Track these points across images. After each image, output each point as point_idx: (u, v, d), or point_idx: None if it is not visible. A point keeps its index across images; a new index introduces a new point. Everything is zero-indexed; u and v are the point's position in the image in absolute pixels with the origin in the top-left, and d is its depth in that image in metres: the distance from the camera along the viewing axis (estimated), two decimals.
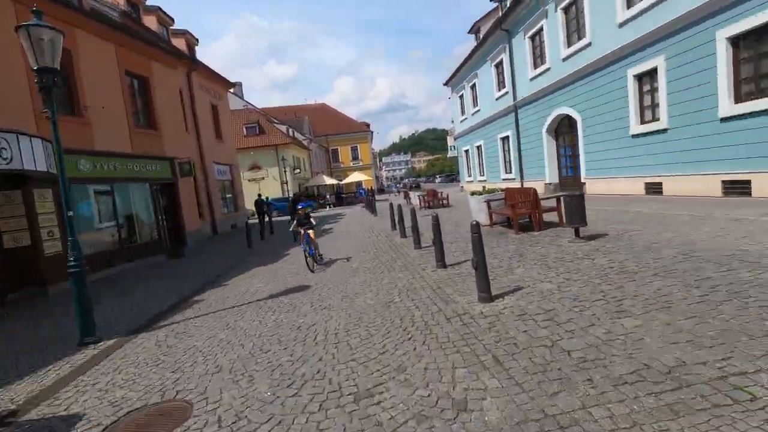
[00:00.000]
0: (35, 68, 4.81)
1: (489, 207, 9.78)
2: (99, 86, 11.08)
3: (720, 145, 9.20)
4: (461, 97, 28.19)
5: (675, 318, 3.25)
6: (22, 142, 7.77)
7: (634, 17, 11.34)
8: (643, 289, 4.02)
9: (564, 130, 16.34)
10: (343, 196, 39.83)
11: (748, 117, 8.53)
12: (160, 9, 18.49)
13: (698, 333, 2.95)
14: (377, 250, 9.11)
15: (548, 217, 9.23)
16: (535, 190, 8.36)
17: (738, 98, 8.84)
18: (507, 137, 21.13)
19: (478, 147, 25.77)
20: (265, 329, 4.72)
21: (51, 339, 5.38)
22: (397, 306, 4.83)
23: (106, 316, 6.24)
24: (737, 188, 9.01)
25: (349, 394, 2.92)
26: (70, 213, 5.06)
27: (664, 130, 10.79)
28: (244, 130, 35.93)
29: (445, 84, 30.57)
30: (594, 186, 14.03)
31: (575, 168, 15.85)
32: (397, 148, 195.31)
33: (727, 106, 8.96)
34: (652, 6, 10.70)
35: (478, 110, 24.67)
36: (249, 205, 25.25)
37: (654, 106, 11.28)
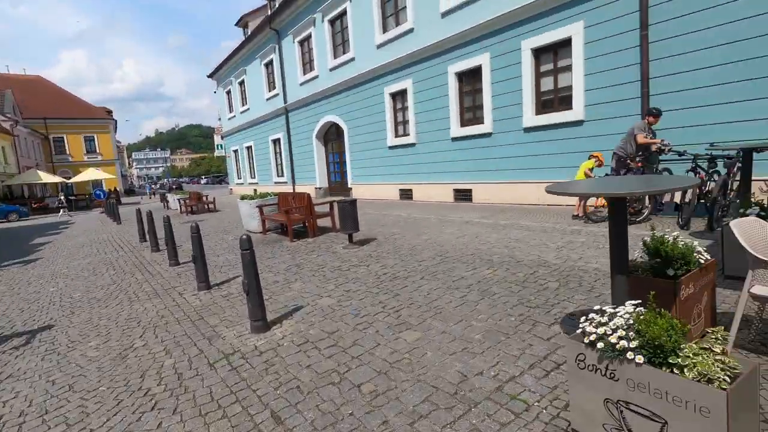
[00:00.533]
0: None
1: (262, 213, 9.01)
2: None
3: (452, 160, 11.24)
4: (228, 93, 26.19)
5: (448, 324, 3.35)
6: None
7: (389, 41, 12.71)
8: (415, 295, 4.13)
9: (332, 136, 17.11)
10: (72, 199, 31.05)
11: (469, 139, 10.69)
12: None
13: (468, 338, 3.07)
14: (116, 270, 7.01)
15: (322, 222, 9.18)
16: (309, 196, 8.11)
17: (463, 123, 10.99)
18: (278, 139, 20.74)
19: (249, 147, 24.46)
20: None
21: None
22: (138, 354, 3.53)
23: None
24: (463, 195, 11.18)
25: None
26: None
27: (413, 144, 12.51)
28: None
29: (210, 76, 27.83)
30: (359, 191, 15.14)
31: (342, 173, 16.81)
32: (152, 143, 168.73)
33: (455, 128, 11.01)
34: (400, 36, 12.22)
35: (248, 109, 23.40)
36: None
37: (405, 122, 12.94)
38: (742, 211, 3.66)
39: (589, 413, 1.86)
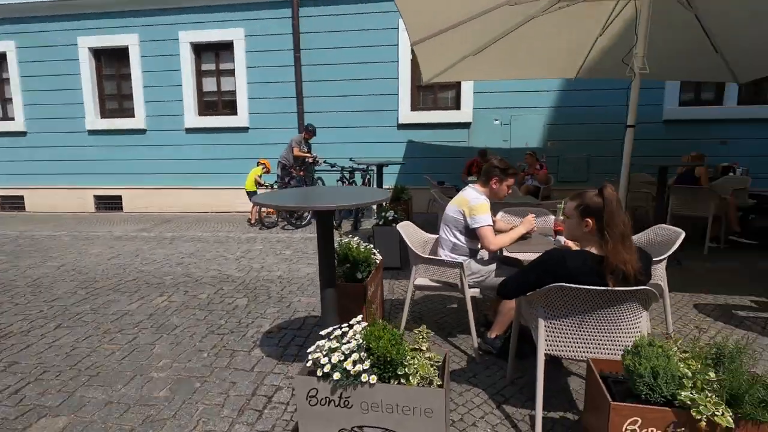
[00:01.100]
0: None
1: None
2: None
3: (90, 158, 8.82)
4: None
5: (113, 389, 2.39)
6: None
7: None
8: (49, 357, 2.78)
9: None
10: None
11: (115, 134, 8.71)
12: None
13: (150, 400, 2.28)
14: None
15: None
16: None
17: (104, 113, 8.84)
18: None
19: None
20: None
21: None
22: None
23: None
24: (110, 204, 9.02)
25: None
26: None
27: (22, 134, 8.99)
28: None
29: None
30: None
31: None
32: None
33: (93, 119, 8.71)
34: None
35: None
36: None
37: (6, 100, 9.11)
38: (384, 214, 4.58)
39: None
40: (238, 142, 8.38)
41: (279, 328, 3.14)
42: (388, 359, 1.57)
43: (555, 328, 1.82)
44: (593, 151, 7.54)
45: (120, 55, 8.57)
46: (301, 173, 7.18)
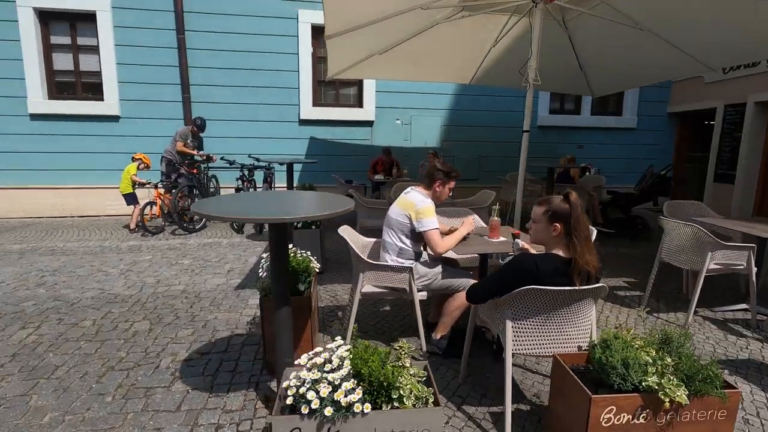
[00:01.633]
0: None
1: None
2: None
3: None
4: None
5: None
6: None
7: None
8: None
9: None
10: None
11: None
12: None
13: None
14: None
15: None
16: None
17: None
18: None
19: None
20: None
21: None
22: None
23: None
24: None
25: None
26: None
27: None
28: None
29: None
30: None
31: None
32: None
33: None
34: None
35: None
36: None
37: None
38: None
39: None
40: (106, 132, 7.09)
41: (200, 354, 2.71)
42: (384, 384, 1.43)
43: (522, 328, 1.89)
44: (483, 152, 8.25)
45: None
46: (194, 171, 6.39)
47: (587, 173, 7.69)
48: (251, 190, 6.60)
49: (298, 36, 7.32)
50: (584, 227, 1.74)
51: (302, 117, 7.55)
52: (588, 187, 6.51)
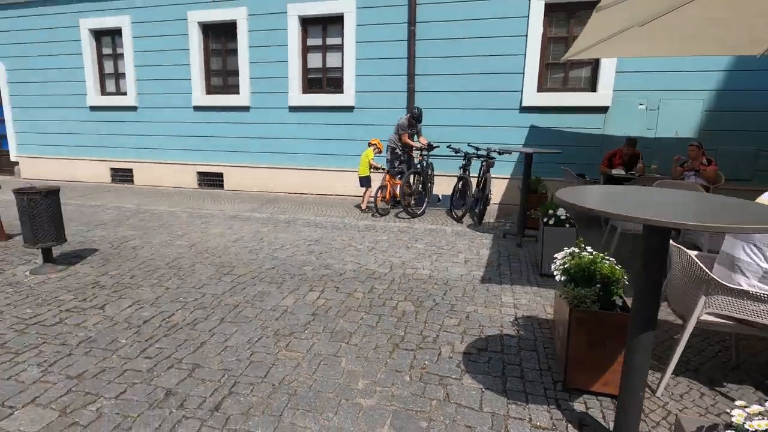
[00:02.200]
0: None
1: None
2: None
3: (196, 134, 8.86)
4: None
5: (323, 417, 1.99)
6: None
7: None
8: (230, 361, 2.46)
9: None
10: None
11: (220, 110, 8.66)
12: None
13: None
14: None
15: None
16: None
17: (209, 90, 8.79)
18: None
19: None
20: None
21: None
22: None
23: None
24: (212, 180, 9.06)
25: None
26: None
27: (133, 108, 9.20)
28: None
29: None
30: (33, 167, 10.17)
31: None
32: None
33: (199, 95, 8.70)
34: None
35: None
36: None
37: (120, 75, 9.36)
38: (553, 212, 3.91)
39: None
40: (343, 121, 7.99)
41: (477, 349, 2.62)
42: None
43: None
44: (763, 146, 6.31)
45: (228, 30, 8.41)
46: (413, 155, 6.65)
47: None
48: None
49: (528, 16, 6.80)
50: None
51: (524, 104, 7.06)
52: None
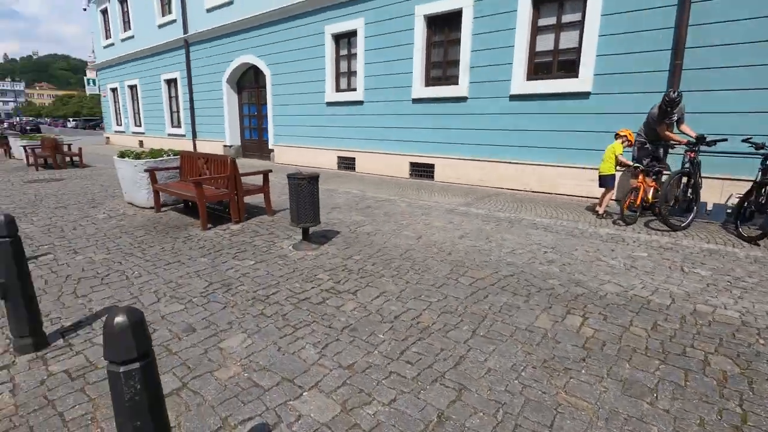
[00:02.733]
0: None
1: (154, 180, 6.05)
2: None
3: (411, 126, 9.16)
4: (105, 13, 20.30)
5: None
6: None
7: None
8: (494, 383, 2.10)
9: (249, 83, 13.74)
10: None
11: (436, 102, 8.69)
12: None
13: None
14: None
15: (250, 199, 6.53)
16: (233, 161, 5.42)
17: (428, 82, 8.91)
18: (175, 80, 16.45)
19: (132, 87, 19.38)
20: None
21: None
22: None
23: None
24: (423, 171, 9.27)
25: None
26: None
27: (359, 102, 10.11)
28: None
29: None
30: (284, 154, 12.33)
31: (261, 131, 13.72)
32: (2, 72, 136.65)
33: (418, 87, 8.90)
34: None
35: (132, 36, 18.25)
36: None
37: (352, 73, 10.41)
38: None
39: None
40: (574, 110, 6.94)
41: None
42: None
43: None
44: None
45: (451, 19, 8.29)
46: (691, 154, 5.16)
47: None
48: None
49: None
50: None
51: None
52: None
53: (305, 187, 4.20)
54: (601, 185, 5.58)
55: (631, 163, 5.38)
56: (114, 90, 21.19)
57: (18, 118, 60.85)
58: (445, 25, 8.48)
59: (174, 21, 15.42)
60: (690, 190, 5.13)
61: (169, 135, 17.27)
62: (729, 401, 2.01)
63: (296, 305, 3.08)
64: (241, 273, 3.74)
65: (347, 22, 9.93)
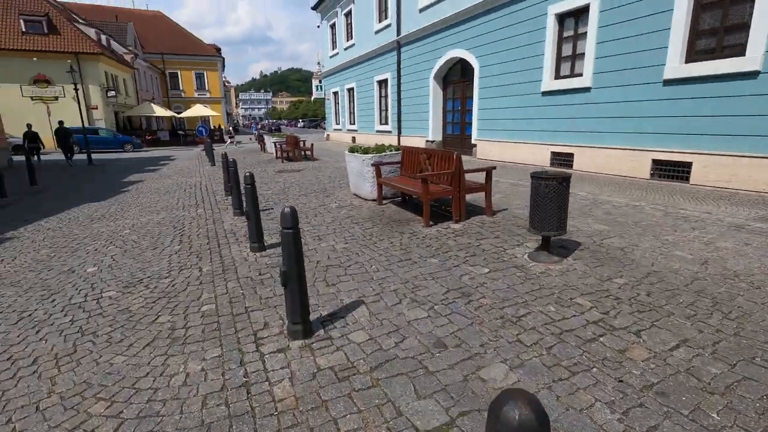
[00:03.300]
0: None
1: (379, 174, 6.32)
2: None
3: (660, 115, 7.35)
4: (333, 27, 23.50)
5: None
6: None
7: None
8: None
9: (455, 78, 13.65)
10: (180, 134, 31.90)
11: (701, 82, 6.69)
12: None
13: None
14: (182, 246, 4.88)
15: (470, 197, 6.24)
16: (458, 157, 5.14)
17: (690, 56, 6.94)
18: (385, 81, 17.76)
19: (350, 90, 21.92)
20: None
21: None
22: None
23: None
24: (670, 170, 7.36)
25: None
26: None
27: (586, 89, 8.70)
28: (22, 23, 24.75)
29: (314, 8, 25.24)
30: (486, 149, 11.80)
31: (463, 125, 13.50)
32: (257, 85, 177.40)
33: (674, 65, 7.02)
34: None
35: (353, 45, 20.57)
36: (19, 132, 17.04)
37: (576, 57, 9.07)
38: None
39: None
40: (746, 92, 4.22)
41: None
42: None
43: None
44: None
45: None
46: None
47: None
48: None
49: None
50: None
51: None
52: None
53: (554, 189, 3.54)
54: None
55: None
56: (335, 93, 24.46)
57: (267, 121, 77.78)
58: None
59: (389, 25, 16.57)
60: None
61: (377, 131, 18.85)
62: None
63: (560, 337, 2.49)
64: (477, 282, 3.36)
65: None
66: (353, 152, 6.88)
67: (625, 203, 5.79)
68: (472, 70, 12.26)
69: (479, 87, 11.95)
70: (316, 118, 73.00)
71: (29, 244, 5.20)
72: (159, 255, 4.52)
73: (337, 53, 23.07)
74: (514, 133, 10.81)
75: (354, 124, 21.88)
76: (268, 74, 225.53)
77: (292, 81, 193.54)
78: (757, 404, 1.87)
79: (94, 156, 17.02)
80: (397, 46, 16.07)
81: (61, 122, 16.31)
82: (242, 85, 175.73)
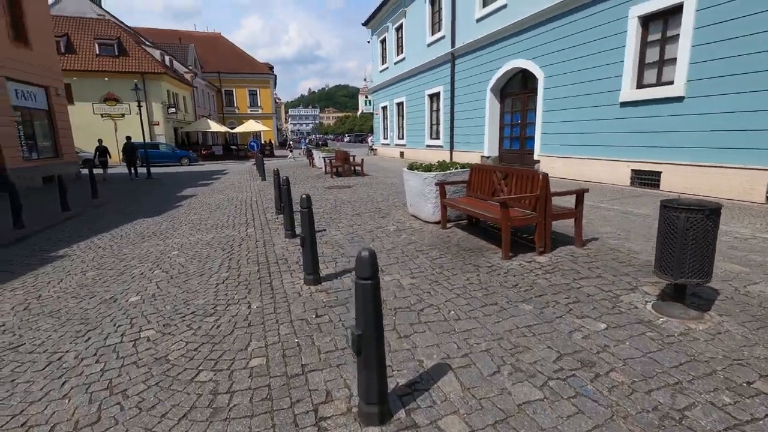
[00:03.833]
0: None
1: (443, 194, 5.64)
2: None
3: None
4: (383, 41, 23.35)
5: None
6: None
7: None
8: None
9: (514, 89, 12.80)
10: (233, 148, 32.96)
11: None
12: None
13: None
14: (230, 271, 4.43)
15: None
16: (546, 177, 4.35)
17: None
18: (437, 94, 17.16)
19: (400, 104, 21.51)
20: None
21: None
22: None
23: None
24: None
25: None
26: None
27: (679, 99, 7.59)
28: (96, 47, 26.68)
29: (365, 24, 25.30)
30: (550, 166, 10.78)
31: (523, 140, 12.57)
32: (305, 102, 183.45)
33: None
34: None
35: (403, 59, 20.22)
36: (90, 147, 18.03)
37: (663, 62, 8.00)
38: None
39: None
40: None
41: None
42: None
43: None
44: None
45: None
46: None
47: None
48: None
49: None
50: None
51: None
52: None
53: (699, 224, 2.69)
54: None
55: None
56: (384, 108, 24.18)
57: (314, 136, 79.59)
58: None
59: (442, 37, 16.03)
60: None
61: (427, 146, 18.22)
62: None
63: None
64: (596, 344, 2.56)
65: None
66: (413, 170, 6.26)
67: (751, 235, 4.73)
68: (535, 80, 11.38)
69: (543, 98, 11.03)
70: (362, 133, 73.73)
71: (78, 264, 4.97)
72: (206, 283, 4.07)
73: (387, 68, 22.84)
74: (583, 148, 9.77)
75: (403, 138, 21.39)
76: (316, 91, 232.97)
77: (339, 97, 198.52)
78: None
79: (153, 170, 17.62)
80: (452, 58, 15.47)
81: (128, 137, 17.00)
82: (292, 101, 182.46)
